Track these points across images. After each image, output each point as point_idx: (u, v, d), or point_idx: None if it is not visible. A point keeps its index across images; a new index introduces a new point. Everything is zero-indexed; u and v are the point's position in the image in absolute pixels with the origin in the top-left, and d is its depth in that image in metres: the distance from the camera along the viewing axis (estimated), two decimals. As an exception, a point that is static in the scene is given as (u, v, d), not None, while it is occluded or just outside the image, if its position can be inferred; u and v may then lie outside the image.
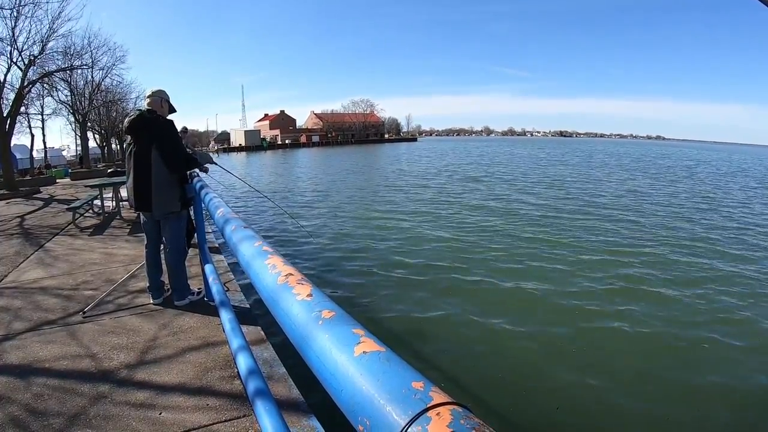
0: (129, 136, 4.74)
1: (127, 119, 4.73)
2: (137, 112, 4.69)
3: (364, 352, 0.72)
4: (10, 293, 5.57)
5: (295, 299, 0.98)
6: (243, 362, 2.49)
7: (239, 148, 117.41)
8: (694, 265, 10.02)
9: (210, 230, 8.07)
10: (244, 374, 2.42)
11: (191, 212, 4.94)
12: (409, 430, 0.56)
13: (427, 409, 0.57)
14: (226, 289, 4.19)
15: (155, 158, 4.55)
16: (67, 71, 26.24)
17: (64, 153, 55.07)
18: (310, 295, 0.98)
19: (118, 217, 11.14)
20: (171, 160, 4.59)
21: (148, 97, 4.84)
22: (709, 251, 11.28)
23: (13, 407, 3.12)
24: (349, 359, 0.72)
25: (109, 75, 33.66)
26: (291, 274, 1.12)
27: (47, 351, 3.95)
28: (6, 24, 18.91)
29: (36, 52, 20.43)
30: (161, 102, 4.86)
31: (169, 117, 4.94)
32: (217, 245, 7.69)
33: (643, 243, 11.93)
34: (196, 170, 5.13)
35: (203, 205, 3.28)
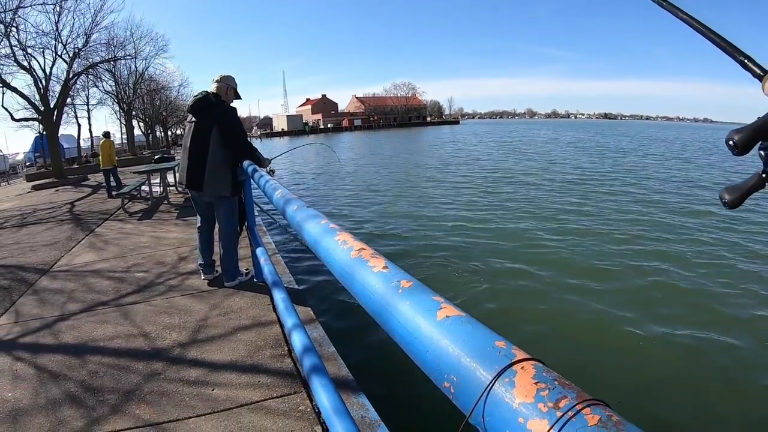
0: (190, 115, 4.77)
1: (193, 98, 4.77)
2: (203, 93, 4.72)
3: (446, 316, 0.76)
4: (64, 276, 5.70)
5: (371, 271, 1.01)
6: (298, 340, 2.47)
7: (282, 133, 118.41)
8: None
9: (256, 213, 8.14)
10: (299, 351, 2.39)
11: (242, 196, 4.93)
12: (497, 382, 0.60)
13: (511, 364, 0.61)
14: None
15: (214, 140, 4.58)
16: (111, 62, 26.69)
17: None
18: (386, 267, 1.01)
19: (165, 201, 11.33)
20: (234, 142, 4.62)
21: (216, 81, 4.85)
22: None
23: (70, 384, 3.18)
24: (432, 323, 0.76)
25: (151, 64, 34.25)
26: (363, 249, 1.14)
27: (101, 330, 4.03)
28: (50, 18, 19.32)
29: (80, 45, 20.89)
30: (227, 89, 4.87)
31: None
32: (264, 228, 7.73)
33: None
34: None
35: (259, 187, 3.23)
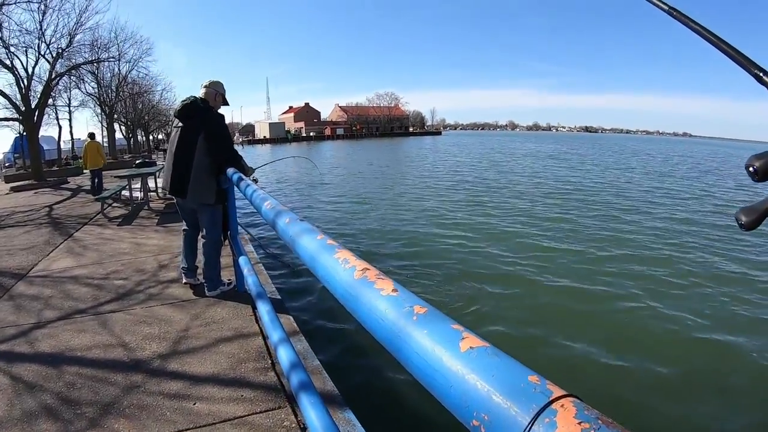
0: (176, 120, 4.74)
1: (180, 102, 4.74)
2: (192, 98, 4.68)
3: (470, 347, 0.70)
4: (41, 282, 5.58)
5: (379, 294, 0.93)
6: (284, 355, 2.41)
7: (264, 140, 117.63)
8: None
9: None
10: (286, 367, 2.33)
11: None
12: (536, 422, 0.55)
13: (550, 402, 0.56)
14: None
15: (200, 147, 4.54)
16: (94, 64, 26.45)
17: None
18: (395, 290, 0.92)
19: (146, 207, 11.16)
20: (220, 150, 4.60)
21: (205, 87, 4.85)
22: None
23: (46, 395, 3.09)
24: (455, 355, 0.70)
25: (135, 67, 33.97)
26: (368, 269, 1.06)
27: (79, 340, 3.92)
28: (34, 17, 19.06)
29: (64, 45, 20.61)
30: (216, 95, 4.87)
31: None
32: (246, 237, 7.65)
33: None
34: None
35: (246, 197, 3.15)
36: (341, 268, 1.13)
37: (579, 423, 0.53)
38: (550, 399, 0.57)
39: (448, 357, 0.70)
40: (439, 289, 7.87)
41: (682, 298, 7.68)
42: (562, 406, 0.56)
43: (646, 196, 19.47)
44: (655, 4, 1.11)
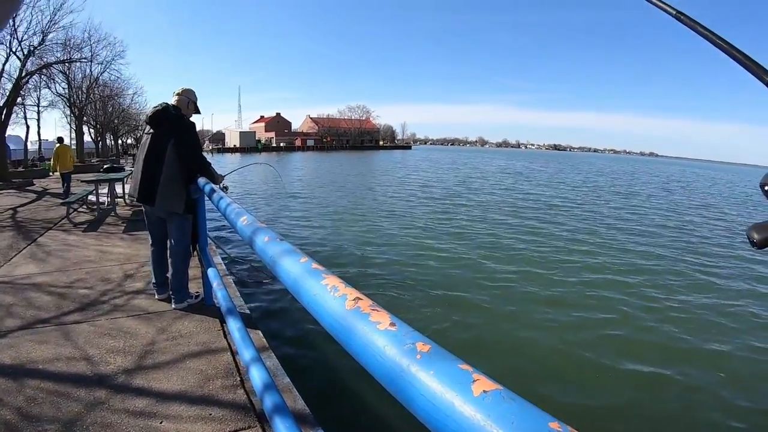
0: (148, 126, 4.70)
1: (152, 108, 4.71)
2: (164, 105, 4.65)
3: (483, 391, 0.65)
4: (2, 288, 5.39)
5: (375, 329, 0.86)
6: (257, 374, 2.36)
7: (234, 149, 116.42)
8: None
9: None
10: (259, 387, 2.29)
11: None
12: None
13: None
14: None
15: (170, 154, 4.49)
16: (66, 64, 26.10)
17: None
18: (392, 324, 0.86)
19: (112, 213, 10.94)
20: (190, 158, 4.57)
21: (177, 94, 4.84)
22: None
23: (6, 411, 2.96)
24: (468, 400, 0.64)
25: (107, 70, 33.54)
26: (359, 298, 0.99)
27: (41, 351, 3.79)
28: (6, 12, 18.66)
29: (36, 43, 20.29)
30: (188, 103, 4.88)
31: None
32: (215, 248, 7.55)
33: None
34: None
35: (218, 210, 3.01)
36: (330, 297, 1.05)
37: None
38: None
39: (461, 402, 0.65)
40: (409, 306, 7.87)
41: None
42: None
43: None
44: (661, 8, 1.09)
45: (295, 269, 1.31)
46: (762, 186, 0.73)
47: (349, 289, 1.05)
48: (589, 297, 8.83)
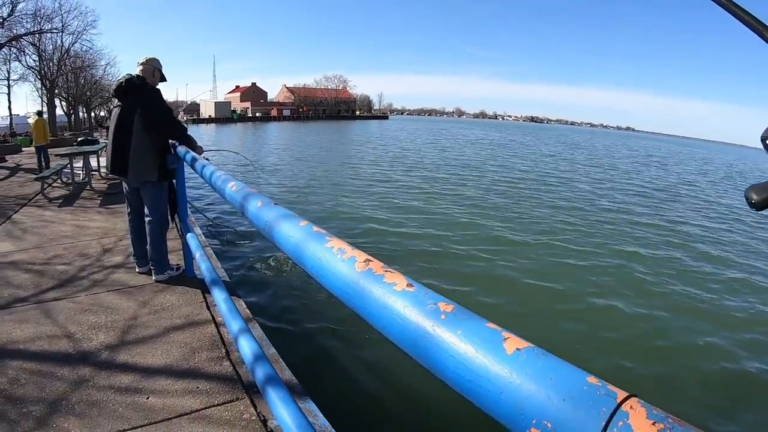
0: (116, 99, 4.63)
1: (116, 82, 4.66)
2: (127, 76, 4.57)
3: (517, 349, 0.63)
4: (-22, 267, 5.28)
5: (393, 290, 0.81)
6: (246, 345, 2.32)
7: (209, 120, 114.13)
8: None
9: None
10: (249, 359, 2.25)
11: (174, 183, 4.74)
12: (610, 426, 0.51)
13: (620, 404, 0.53)
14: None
15: (137, 124, 4.42)
16: (36, 35, 25.40)
17: (30, 120, 53.56)
18: (410, 285, 0.81)
19: (88, 187, 10.71)
20: (158, 124, 4.50)
21: (141, 64, 4.75)
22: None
23: (-12, 393, 2.90)
24: (503, 359, 0.63)
25: (79, 40, 32.78)
26: (370, 260, 0.93)
27: (21, 331, 3.69)
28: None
29: (5, 14, 19.70)
30: (153, 71, 4.78)
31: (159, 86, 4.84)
32: (194, 218, 7.46)
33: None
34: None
35: (203, 178, 2.86)
36: (337, 260, 1.00)
37: (653, 423, 0.50)
38: (619, 401, 0.53)
39: (495, 361, 0.63)
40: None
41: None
42: (631, 407, 0.52)
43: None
44: None
45: (296, 234, 1.24)
46: (763, 140, 0.71)
47: (356, 251, 1.00)
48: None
